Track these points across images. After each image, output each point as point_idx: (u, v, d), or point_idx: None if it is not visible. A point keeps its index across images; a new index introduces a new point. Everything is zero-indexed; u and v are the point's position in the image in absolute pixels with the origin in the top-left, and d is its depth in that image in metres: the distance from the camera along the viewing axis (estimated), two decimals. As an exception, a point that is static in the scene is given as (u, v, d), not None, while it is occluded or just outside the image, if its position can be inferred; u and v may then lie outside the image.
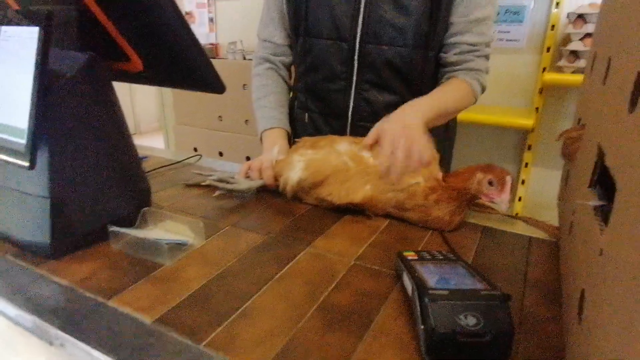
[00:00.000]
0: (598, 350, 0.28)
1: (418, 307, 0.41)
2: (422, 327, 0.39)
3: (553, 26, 1.64)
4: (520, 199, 1.83)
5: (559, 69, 1.61)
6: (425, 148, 0.66)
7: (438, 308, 0.39)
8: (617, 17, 0.45)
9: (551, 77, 1.55)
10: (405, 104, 0.75)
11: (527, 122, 1.56)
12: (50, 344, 0.46)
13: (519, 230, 0.68)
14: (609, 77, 0.42)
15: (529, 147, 1.77)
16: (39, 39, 0.47)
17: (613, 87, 0.38)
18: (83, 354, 0.41)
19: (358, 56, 0.84)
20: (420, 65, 0.84)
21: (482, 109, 1.72)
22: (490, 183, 0.61)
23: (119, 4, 0.52)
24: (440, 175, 0.65)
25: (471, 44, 0.83)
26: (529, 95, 1.76)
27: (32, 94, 0.47)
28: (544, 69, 1.67)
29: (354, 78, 0.86)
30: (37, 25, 0.47)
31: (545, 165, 1.80)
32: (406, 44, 0.81)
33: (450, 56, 0.84)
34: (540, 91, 1.69)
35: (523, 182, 1.81)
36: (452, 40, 0.83)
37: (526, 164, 1.79)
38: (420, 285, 0.43)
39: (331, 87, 0.88)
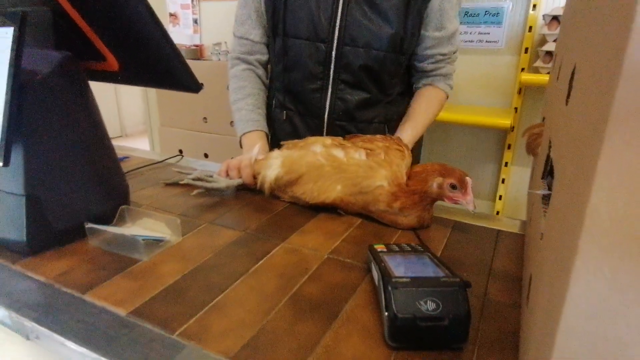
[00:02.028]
0: (535, 330, 0.30)
1: (382, 295, 0.43)
2: (386, 313, 0.41)
3: (530, 27, 1.68)
4: (500, 198, 1.87)
5: (536, 70, 1.65)
6: None
7: (400, 295, 0.41)
8: (568, 20, 0.48)
9: (528, 77, 1.60)
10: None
11: (506, 121, 1.60)
12: (27, 337, 0.47)
13: (488, 224, 0.71)
14: (560, 74, 0.45)
15: (509, 147, 1.81)
16: (14, 39, 0.48)
17: (560, 83, 0.41)
18: (58, 345, 0.42)
19: (335, 57, 0.86)
20: (392, 68, 0.88)
21: (463, 109, 1.76)
22: (452, 186, 0.62)
23: (93, 5, 0.53)
24: (404, 179, 0.67)
25: (444, 54, 0.91)
26: (509, 95, 1.81)
27: (7, 92, 0.48)
28: (522, 70, 1.71)
29: (331, 78, 0.88)
30: (11, 26, 0.48)
31: (524, 164, 1.84)
32: (381, 48, 0.84)
33: (425, 65, 0.92)
34: (519, 91, 1.74)
35: (503, 180, 1.85)
36: (428, 52, 0.90)
37: (506, 163, 1.83)
38: (385, 274, 0.45)
39: (308, 87, 0.90)
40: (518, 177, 1.86)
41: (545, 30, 1.59)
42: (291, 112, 0.96)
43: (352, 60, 0.86)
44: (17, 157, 0.51)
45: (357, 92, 0.89)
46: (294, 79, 0.91)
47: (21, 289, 0.50)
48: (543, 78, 1.59)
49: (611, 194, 0.19)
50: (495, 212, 1.88)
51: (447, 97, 0.97)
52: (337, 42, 0.86)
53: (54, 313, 0.46)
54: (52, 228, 0.56)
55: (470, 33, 1.82)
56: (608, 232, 0.19)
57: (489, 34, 1.79)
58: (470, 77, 1.84)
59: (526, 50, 1.70)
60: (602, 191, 0.19)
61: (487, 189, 1.94)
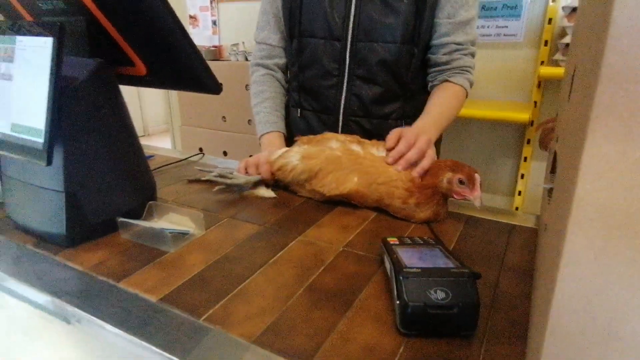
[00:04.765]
0: (536, 314, 0.32)
1: (394, 284, 0.45)
2: (397, 301, 0.44)
3: (550, 20, 1.66)
4: (519, 193, 1.85)
5: (556, 63, 1.63)
6: (429, 156, 0.71)
7: (411, 284, 0.43)
8: (578, 18, 0.49)
9: (548, 70, 1.57)
10: (414, 125, 0.82)
11: (525, 116, 1.59)
12: (68, 322, 0.52)
13: (502, 218, 0.72)
14: (568, 71, 0.46)
15: (528, 141, 1.79)
16: (53, 48, 0.52)
17: (567, 79, 0.42)
18: (97, 328, 0.47)
19: (350, 53, 0.89)
20: (407, 60, 0.89)
21: (482, 104, 1.75)
22: (460, 182, 0.64)
23: (124, 15, 0.57)
24: (416, 174, 0.68)
25: (458, 44, 0.88)
26: (528, 89, 1.78)
27: (48, 98, 0.52)
28: (542, 63, 1.69)
29: (346, 74, 0.91)
30: (50, 36, 0.52)
31: (544, 159, 1.81)
32: (395, 41, 0.86)
33: (439, 57, 0.90)
34: (539, 85, 1.71)
35: (522, 176, 1.83)
36: (440, 41, 0.88)
37: (525, 158, 1.81)
38: (396, 264, 0.47)
39: (324, 84, 0.93)
40: (537, 172, 1.84)
41: (565, 22, 1.56)
42: (306, 110, 0.99)
43: (366, 55, 0.88)
44: (58, 157, 0.55)
45: (372, 87, 0.91)
46: (310, 77, 0.94)
47: (62, 277, 0.54)
48: (562, 71, 1.56)
49: (594, 186, 0.21)
50: (514, 208, 1.87)
51: (467, 95, 0.93)
52: (352, 39, 0.88)
53: (92, 299, 0.50)
54: (89, 222, 0.60)
55: (488, 27, 1.80)
56: (593, 220, 0.21)
57: (507, 27, 1.77)
58: (489, 72, 1.83)
59: (545, 43, 1.68)
60: (586, 183, 0.21)
61: (506, 185, 1.92)
